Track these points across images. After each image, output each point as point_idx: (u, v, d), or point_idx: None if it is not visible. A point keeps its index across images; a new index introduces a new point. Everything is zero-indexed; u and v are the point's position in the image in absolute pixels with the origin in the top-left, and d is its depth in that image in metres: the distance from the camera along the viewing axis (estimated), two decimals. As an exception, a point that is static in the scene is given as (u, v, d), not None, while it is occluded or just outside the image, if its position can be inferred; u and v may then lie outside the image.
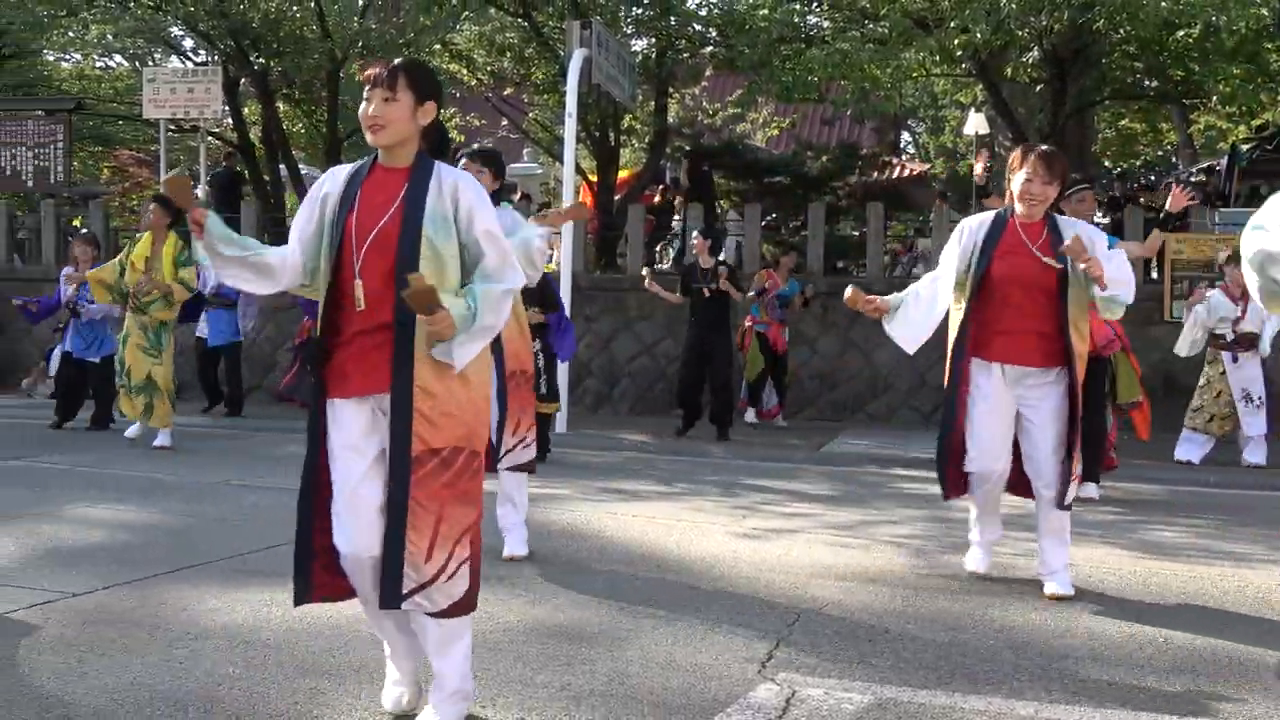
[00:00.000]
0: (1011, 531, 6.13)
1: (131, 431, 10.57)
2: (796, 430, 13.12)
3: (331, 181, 3.55)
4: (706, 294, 11.82)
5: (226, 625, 4.57)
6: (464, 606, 3.46)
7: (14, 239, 18.05)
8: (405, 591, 3.36)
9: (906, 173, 25.96)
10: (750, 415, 13.39)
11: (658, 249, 18.22)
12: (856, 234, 18.85)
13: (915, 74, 17.41)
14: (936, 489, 5.76)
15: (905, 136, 37.66)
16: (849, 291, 5.51)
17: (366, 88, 3.47)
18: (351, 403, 3.45)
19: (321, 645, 4.31)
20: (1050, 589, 5.35)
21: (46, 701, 3.65)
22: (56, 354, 13.56)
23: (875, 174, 22.20)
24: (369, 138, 3.46)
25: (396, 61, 3.49)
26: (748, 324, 13.16)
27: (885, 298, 5.58)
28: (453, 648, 3.50)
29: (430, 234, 3.38)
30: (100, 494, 7.62)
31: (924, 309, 5.51)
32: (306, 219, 3.56)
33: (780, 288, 13.20)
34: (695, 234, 12.61)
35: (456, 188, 3.45)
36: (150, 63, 23.86)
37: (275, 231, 19.18)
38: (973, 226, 5.51)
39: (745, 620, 4.85)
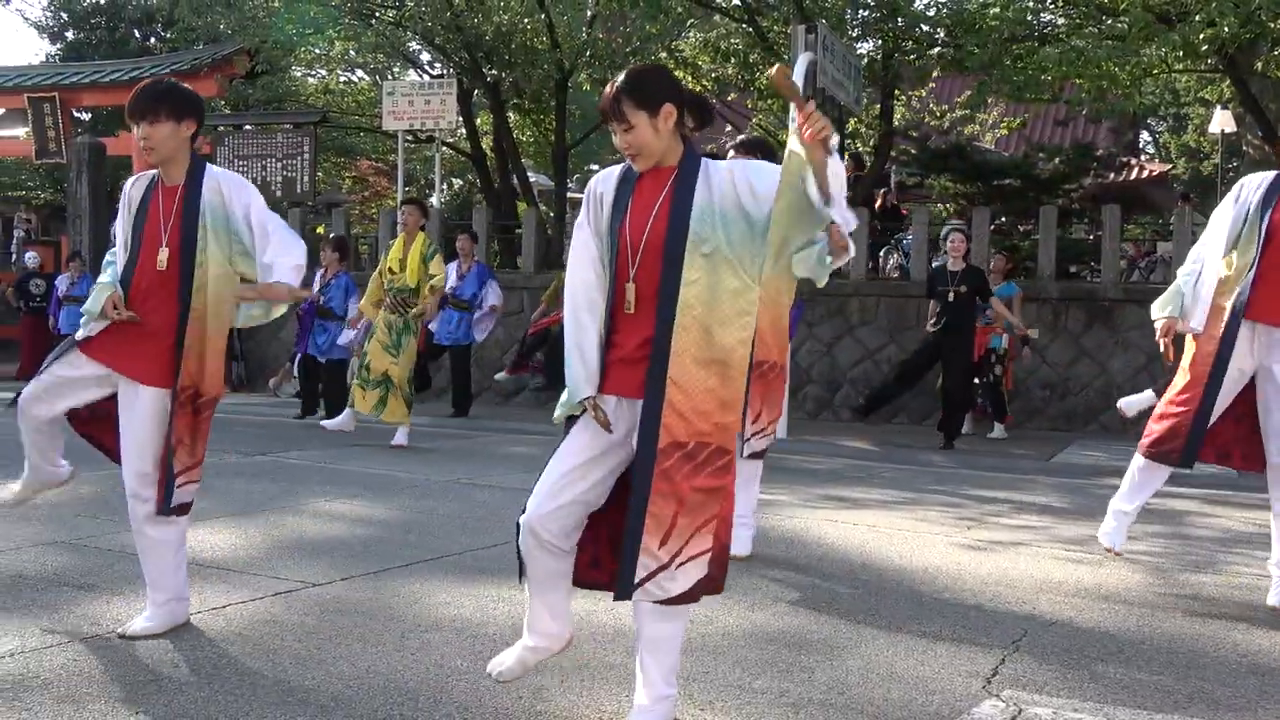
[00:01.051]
0: (1259, 551, 5.82)
1: (331, 424, 10.60)
2: (1025, 440, 12.74)
3: (604, 184, 3.62)
4: (951, 297, 11.51)
5: (455, 619, 4.72)
6: (690, 596, 3.45)
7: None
8: (637, 581, 3.39)
9: (1145, 174, 24.94)
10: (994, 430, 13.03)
11: (881, 254, 17.96)
12: (1090, 238, 18.19)
13: (1156, 71, 16.70)
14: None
15: (1144, 136, 36.16)
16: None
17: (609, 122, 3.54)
18: (609, 399, 3.52)
19: (545, 642, 4.40)
20: (1274, 600, 5.11)
21: (288, 686, 3.85)
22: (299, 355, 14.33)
23: (1111, 175, 21.38)
24: (635, 166, 3.55)
25: (615, 89, 3.48)
26: None
27: (1164, 312, 5.44)
28: (665, 645, 3.49)
29: (698, 231, 3.42)
30: (339, 490, 7.98)
31: (1201, 282, 5.34)
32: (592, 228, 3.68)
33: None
34: (950, 234, 12.09)
35: (732, 176, 3.46)
36: (389, 76, 24.83)
37: (503, 240, 19.77)
38: (1252, 184, 5.30)
39: (969, 634, 4.74)
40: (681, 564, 3.40)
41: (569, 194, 21.25)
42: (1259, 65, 16.69)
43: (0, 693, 3.67)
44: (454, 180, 30.75)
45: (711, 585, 3.50)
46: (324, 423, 10.79)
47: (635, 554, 3.38)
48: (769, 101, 20.10)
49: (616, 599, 3.50)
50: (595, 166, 33.08)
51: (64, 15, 30.98)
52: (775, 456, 10.05)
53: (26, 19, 45.88)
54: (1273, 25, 14.27)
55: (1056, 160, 19.00)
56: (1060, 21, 17.38)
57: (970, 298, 11.40)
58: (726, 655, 4.32)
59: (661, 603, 3.42)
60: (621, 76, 3.50)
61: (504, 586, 5.22)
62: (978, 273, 11.75)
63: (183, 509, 4.43)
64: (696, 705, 3.76)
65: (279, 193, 20.38)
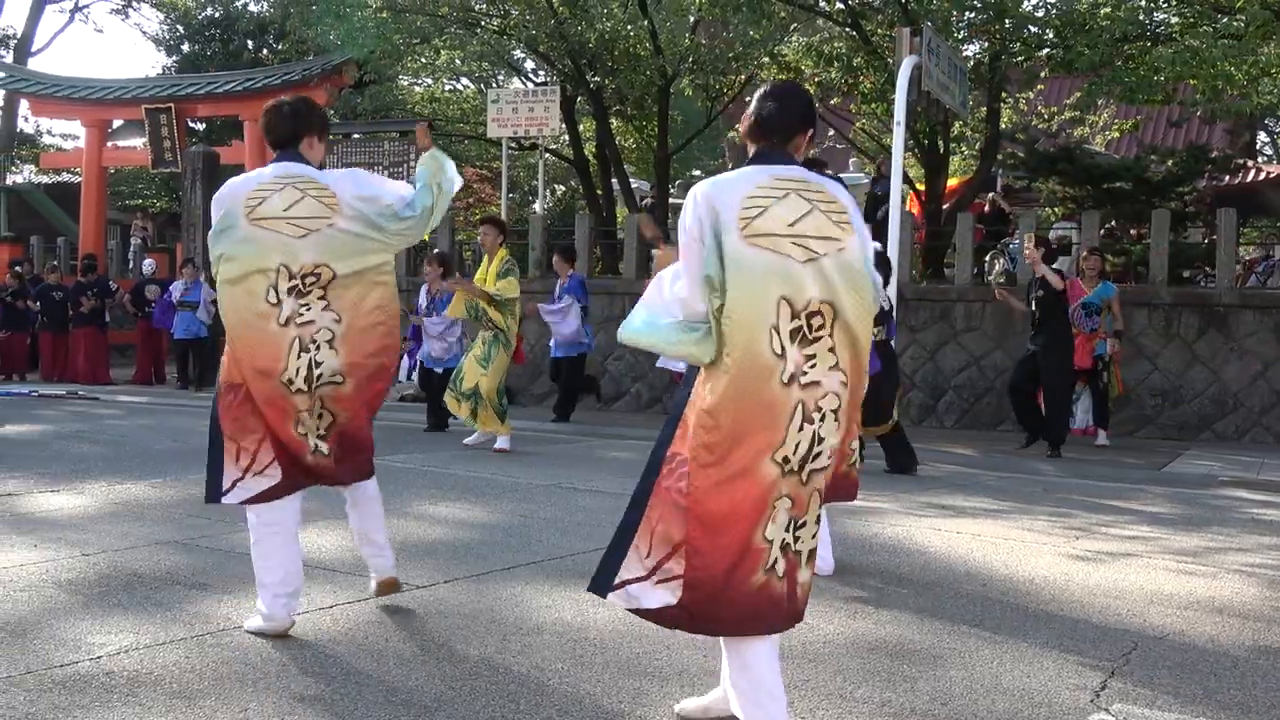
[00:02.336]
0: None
1: (471, 440, 10.87)
2: (1135, 449, 12.46)
3: None
4: (1032, 305, 11.49)
5: (556, 622, 4.75)
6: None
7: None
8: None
9: (1263, 176, 24.24)
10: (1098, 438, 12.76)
11: (987, 258, 17.70)
12: (1205, 242, 17.73)
13: (1274, 70, 16.22)
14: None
15: (1262, 137, 35.15)
16: None
17: None
18: None
19: (645, 647, 4.41)
20: None
21: (392, 686, 3.90)
22: (405, 363, 14.58)
23: (1226, 178, 20.80)
24: None
25: None
26: None
27: None
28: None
29: None
30: (442, 493, 8.07)
31: None
32: None
33: (1085, 295, 12.35)
34: (1026, 238, 12.00)
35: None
36: (494, 84, 25.11)
37: (605, 246, 19.85)
38: None
39: (1077, 646, 4.64)
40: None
41: (670, 200, 21.28)
42: (1383, 63, 16.15)
43: (115, 688, 3.77)
44: (557, 187, 30.98)
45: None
46: (465, 440, 10.95)
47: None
48: (873, 105, 19.93)
49: None
50: (698, 173, 33.08)
51: (180, 28, 31.83)
52: (878, 463, 9.97)
53: (144, 33, 47.35)
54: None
55: (1169, 163, 18.55)
56: (1174, 20, 16.98)
57: (1058, 302, 11.40)
58: (827, 663, 4.29)
59: None
60: None
61: (604, 591, 5.24)
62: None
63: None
64: (797, 713, 3.74)
65: (386, 200, 20.69)
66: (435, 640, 4.44)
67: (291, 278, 4.43)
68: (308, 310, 4.43)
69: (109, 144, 24.33)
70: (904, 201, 14.74)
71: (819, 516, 3.49)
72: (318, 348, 4.45)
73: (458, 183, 4.82)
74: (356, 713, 3.63)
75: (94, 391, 16.66)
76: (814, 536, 3.46)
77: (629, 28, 19.50)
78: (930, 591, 5.54)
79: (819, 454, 3.35)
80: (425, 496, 7.88)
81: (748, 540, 3.31)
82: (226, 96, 22.05)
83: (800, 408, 3.30)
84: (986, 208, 19.18)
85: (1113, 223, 18.20)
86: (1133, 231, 18.34)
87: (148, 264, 21.66)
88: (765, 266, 3.30)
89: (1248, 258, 19.26)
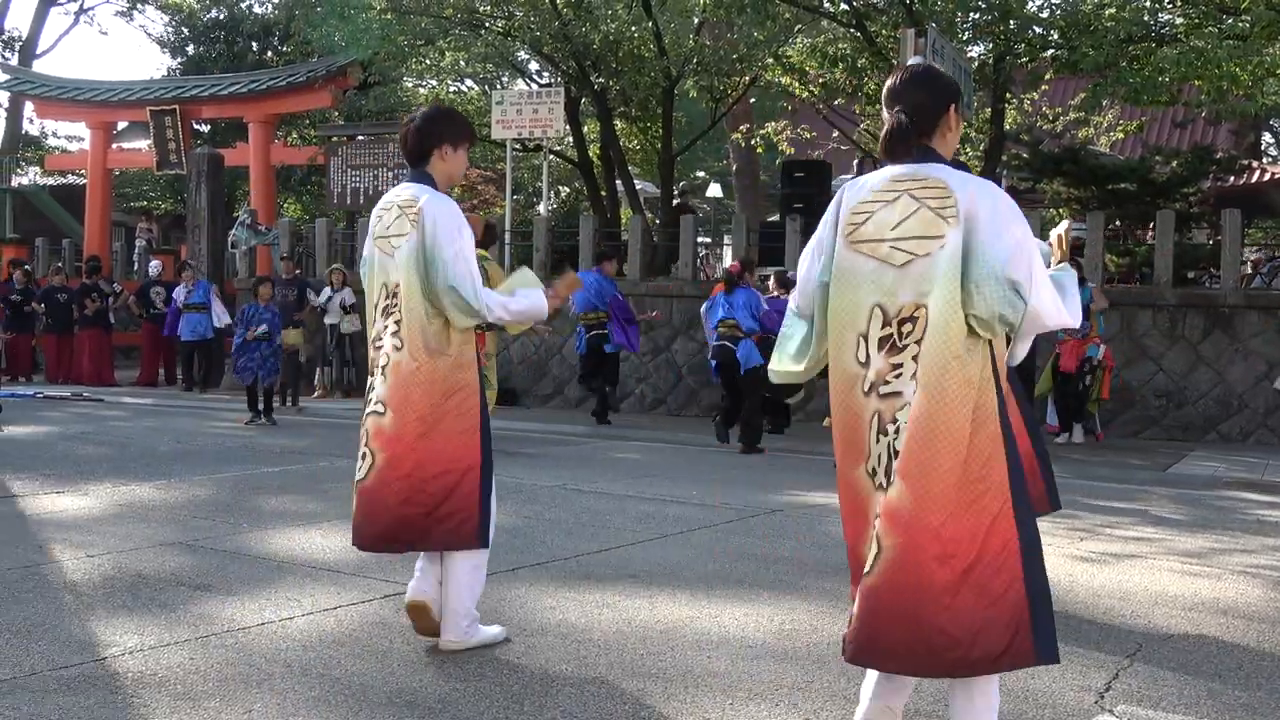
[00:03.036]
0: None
1: None
2: (1140, 450, 12.45)
3: None
4: None
5: (560, 624, 4.75)
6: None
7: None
8: None
9: (1268, 177, 24.20)
10: (1061, 437, 12.68)
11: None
12: (1210, 243, 17.70)
13: (1279, 71, 16.21)
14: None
15: (1267, 138, 35.09)
16: None
17: None
18: None
19: (649, 649, 4.41)
20: None
21: (396, 687, 3.90)
22: None
23: (1231, 178, 20.77)
24: None
25: None
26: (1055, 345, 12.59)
27: None
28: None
29: None
30: (447, 494, 8.05)
31: None
32: None
33: None
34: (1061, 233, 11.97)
35: None
36: (498, 86, 25.10)
37: (610, 247, 19.84)
38: None
39: (1082, 647, 4.63)
40: None
41: (674, 201, 21.27)
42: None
43: (120, 689, 3.78)
44: (561, 188, 30.98)
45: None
46: None
47: None
48: (877, 107, 19.89)
49: None
50: (702, 174, 33.09)
51: (185, 30, 31.85)
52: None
53: (149, 34, 47.16)
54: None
55: (1174, 163, 18.52)
56: (1179, 21, 16.95)
57: None
58: (832, 665, 4.29)
59: None
60: None
61: (608, 592, 5.24)
62: None
63: None
64: (800, 714, 3.74)
65: (390, 202, 20.69)
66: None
67: None
68: None
69: (114, 146, 24.35)
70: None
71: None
72: None
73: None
74: (360, 714, 3.63)
75: (98, 393, 16.68)
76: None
77: (633, 29, 19.49)
78: (934, 593, 5.52)
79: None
80: (429, 498, 7.87)
81: (859, 554, 3.23)
82: (231, 98, 22.07)
83: (876, 419, 3.17)
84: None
85: (1117, 224, 18.17)
86: (1138, 232, 18.31)
87: (154, 265, 21.69)
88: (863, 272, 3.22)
89: (1252, 258, 19.23)
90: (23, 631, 4.40)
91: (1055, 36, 17.25)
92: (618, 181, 21.56)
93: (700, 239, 22.09)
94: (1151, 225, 16.09)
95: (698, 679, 4.05)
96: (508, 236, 19.26)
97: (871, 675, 3.32)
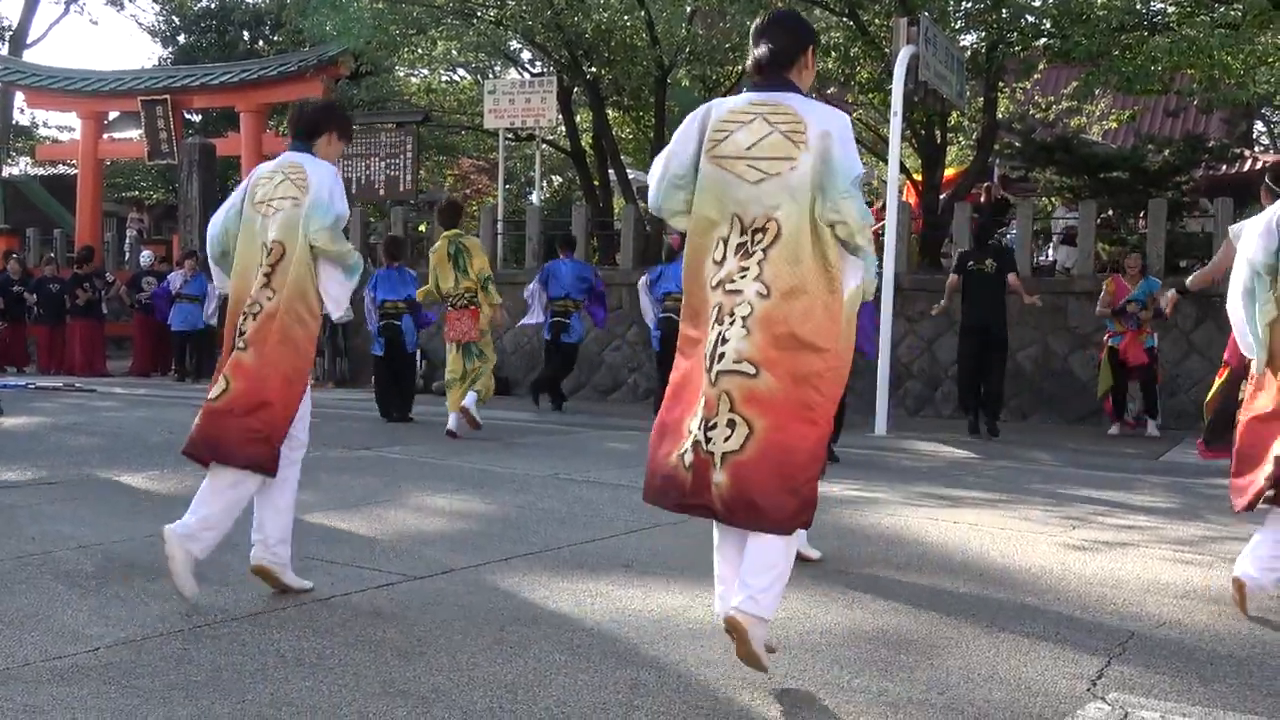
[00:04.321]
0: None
1: (452, 425, 10.87)
2: (1132, 438, 12.48)
3: None
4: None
5: (554, 613, 4.75)
6: None
7: (367, 243, 19.40)
8: None
9: (1260, 165, 24.22)
10: (1114, 428, 12.81)
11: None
12: (1201, 231, 17.73)
13: (1271, 59, 16.22)
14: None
15: (1259, 126, 35.11)
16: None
17: None
18: None
19: (641, 637, 4.41)
20: None
21: (389, 678, 3.90)
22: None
23: (1223, 167, 20.82)
24: None
25: None
26: (1105, 338, 12.67)
27: None
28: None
29: None
30: (439, 484, 8.07)
31: None
32: None
33: (1130, 292, 12.47)
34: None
35: None
36: (491, 75, 25.06)
37: (603, 235, 19.84)
38: None
39: (1074, 635, 4.64)
40: None
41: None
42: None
43: (113, 680, 3.78)
44: (554, 178, 30.94)
45: None
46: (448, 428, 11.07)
47: None
48: (870, 95, 19.91)
49: None
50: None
51: (176, 20, 31.73)
52: (876, 453, 9.99)
53: (140, 24, 47.03)
54: (1395, 10, 13.79)
55: (1166, 152, 18.55)
56: (1170, 10, 16.96)
57: (1000, 282, 12.06)
58: (824, 653, 4.29)
59: None
60: None
61: (601, 581, 5.25)
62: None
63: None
64: (794, 703, 3.74)
65: (382, 191, 20.70)
66: (432, 632, 4.44)
67: None
68: None
69: (105, 136, 24.30)
70: (901, 192, 14.74)
71: (732, 421, 3.62)
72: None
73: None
74: (354, 704, 3.63)
75: (91, 383, 16.66)
76: (727, 441, 3.59)
77: (625, 18, 19.48)
78: (927, 581, 5.54)
79: (723, 355, 3.62)
80: (423, 488, 7.88)
81: (681, 423, 3.75)
82: (222, 88, 22.02)
83: (717, 309, 3.68)
84: (983, 197, 19.16)
85: (1110, 212, 18.19)
86: (1130, 221, 18.34)
87: (145, 255, 21.64)
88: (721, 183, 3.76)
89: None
90: (15, 622, 4.40)
91: (1048, 25, 17.27)
92: (610, 171, 21.54)
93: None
94: (1144, 214, 16.11)
95: (691, 667, 4.05)
96: (500, 226, 19.25)
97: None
